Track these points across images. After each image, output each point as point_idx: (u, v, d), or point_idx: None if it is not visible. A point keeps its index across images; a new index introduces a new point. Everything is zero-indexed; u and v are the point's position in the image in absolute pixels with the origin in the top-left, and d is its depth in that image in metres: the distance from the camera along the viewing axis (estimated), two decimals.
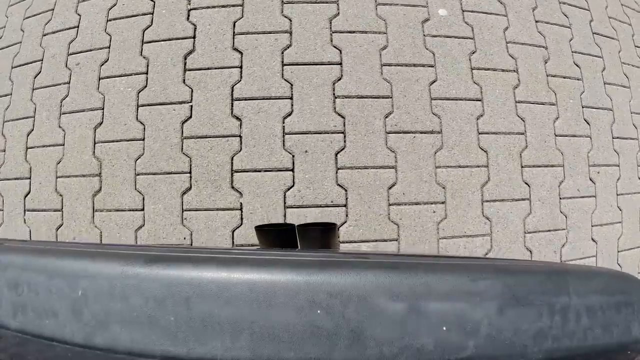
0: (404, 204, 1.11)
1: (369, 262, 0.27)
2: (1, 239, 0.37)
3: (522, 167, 1.18)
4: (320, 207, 1.09)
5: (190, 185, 1.10)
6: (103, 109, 1.17)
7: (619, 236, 1.32)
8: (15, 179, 1.24)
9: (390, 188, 1.11)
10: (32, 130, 1.23)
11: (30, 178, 1.22)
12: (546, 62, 1.27)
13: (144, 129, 1.13)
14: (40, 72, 1.27)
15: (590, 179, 1.27)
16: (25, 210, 1.22)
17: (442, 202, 1.13)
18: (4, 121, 1.29)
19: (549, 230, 1.20)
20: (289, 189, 1.09)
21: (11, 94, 1.30)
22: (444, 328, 0.25)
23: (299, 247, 0.69)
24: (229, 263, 0.27)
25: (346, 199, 1.09)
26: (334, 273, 0.25)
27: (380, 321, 0.25)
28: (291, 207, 1.09)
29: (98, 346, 0.26)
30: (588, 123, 1.28)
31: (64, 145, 1.19)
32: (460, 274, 0.27)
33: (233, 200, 1.09)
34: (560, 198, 1.22)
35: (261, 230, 0.73)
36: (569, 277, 0.29)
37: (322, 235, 0.72)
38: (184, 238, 1.10)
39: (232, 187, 1.09)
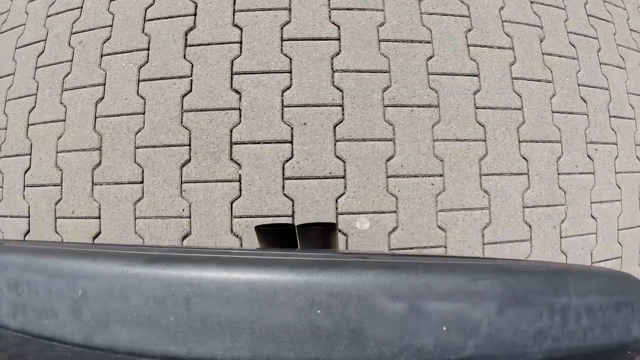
0: (402, 176, 1.11)
1: (369, 262, 0.27)
2: (1, 240, 0.36)
3: (519, 142, 1.19)
4: (319, 178, 1.09)
5: (190, 157, 1.10)
6: (104, 84, 1.18)
7: (618, 214, 1.31)
8: (16, 155, 1.25)
9: (388, 160, 1.11)
10: (34, 107, 1.25)
11: (30, 154, 1.23)
12: (542, 41, 1.28)
13: (145, 103, 1.14)
14: (43, 51, 1.29)
15: (588, 156, 1.27)
16: (24, 186, 1.22)
17: (440, 175, 1.13)
18: (6, 100, 1.30)
19: (548, 206, 1.20)
20: (287, 161, 1.09)
21: (14, 74, 1.32)
22: (444, 328, 0.25)
23: (299, 247, 0.68)
24: (229, 263, 0.27)
25: (344, 170, 1.10)
26: (334, 273, 0.26)
27: (380, 321, 0.25)
28: (290, 178, 1.09)
29: (98, 346, 0.26)
30: (585, 101, 1.29)
31: (65, 120, 1.20)
32: (460, 274, 0.27)
33: (232, 172, 1.09)
34: (558, 174, 1.22)
35: (261, 230, 0.72)
36: (569, 277, 0.29)
37: (322, 235, 0.72)
38: (183, 210, 1.10)
39: (231, 159, 1.10)
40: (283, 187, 1.09)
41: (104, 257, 0.29)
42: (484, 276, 0.27)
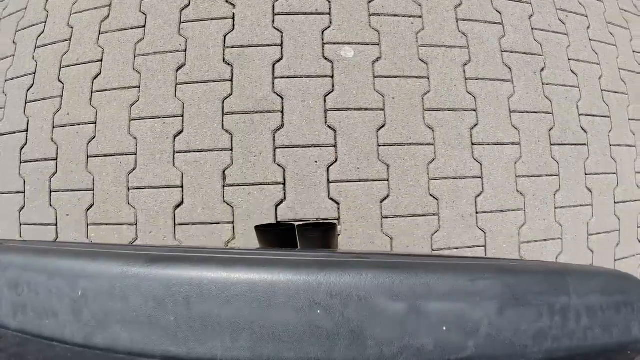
0: (383, 14, 1.20)
1: (369, 262, 0.27)
2: (1, 239, 0.39)
3: None
4: (306, 14, 1.18)
5: (189, 1, 1.21)
6: None
7: (599, 76, 1.36)
8: (31, 26, 1.37)
9: (370, 2, 1.21)
10: None
11: (45, 22, 1.35)
12: None
13: None
14: None
15: (560, 20, 1.36)
16: (35, 48, 1.32)
17: (420, 17, 1.22)
18: None
19: (525, 53, 1.26)
20: (277, 0, 1.19)
21: None
22: (444, 328, 0.25)
23: (299, 247, 0.70)
24: (229, 263, 0.27)
25: (330, 8, 1.19)
26: (334, 273, 0.26)
27: (380, 321, 0.25)
28: (279, 14, 1.18)
29: (98, 346, 0.26)
30: None
31: None
32: (460, 274, 0.27)
33: (226, 11, 1.19)
34: (532, 28, 1.30)
35: (261, 230, 0.73)
36: (569, 277, 0.29)
37: (322, 235, 0.74)
38: (180, 45, 1.18)
39: (227, 1, 1.20)
40: (273, 21, 1.18)
41: (104, 257, 0.29)
42: (484, 276, 0.27)
